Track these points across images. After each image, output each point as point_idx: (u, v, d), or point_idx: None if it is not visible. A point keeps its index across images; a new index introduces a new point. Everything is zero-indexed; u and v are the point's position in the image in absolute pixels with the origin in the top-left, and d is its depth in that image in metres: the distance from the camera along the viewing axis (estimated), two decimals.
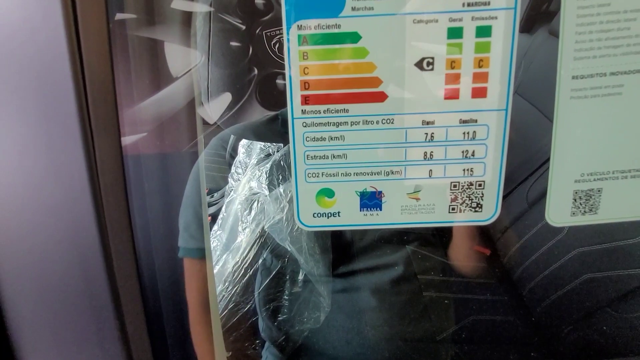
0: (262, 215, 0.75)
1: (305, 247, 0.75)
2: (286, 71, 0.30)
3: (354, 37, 0.30)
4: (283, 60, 0.31)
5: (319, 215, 0.34)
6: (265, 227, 0.73)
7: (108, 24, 0.30)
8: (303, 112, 0.32)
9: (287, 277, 0.74)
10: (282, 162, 0.78)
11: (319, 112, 0.32)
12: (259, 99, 1.05)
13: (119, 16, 0.35)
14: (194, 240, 0.58)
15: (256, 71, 1.03)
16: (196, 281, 0.55)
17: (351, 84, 0.31)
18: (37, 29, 0.28)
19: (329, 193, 0.34)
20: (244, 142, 0.86)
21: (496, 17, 0.30)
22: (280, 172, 0.76)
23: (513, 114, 0.30)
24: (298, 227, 0.77)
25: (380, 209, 0.34)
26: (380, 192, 0.34)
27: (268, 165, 0.79)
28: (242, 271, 0.72)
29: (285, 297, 0.73)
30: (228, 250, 0.75)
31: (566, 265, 0.65)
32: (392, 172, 0.33)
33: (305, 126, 0.32)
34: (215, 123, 0.73)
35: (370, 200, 0.34)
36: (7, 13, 0.28)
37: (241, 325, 0.71)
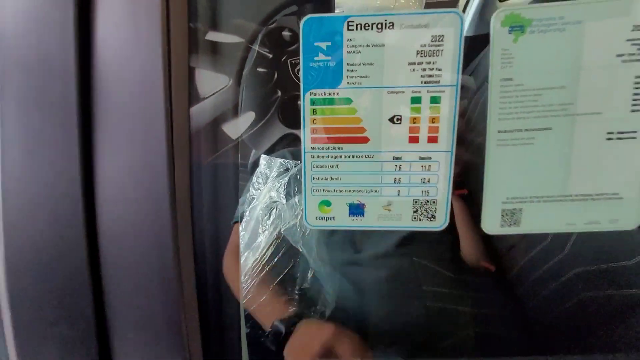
0: (279, 220, 0.87)
1: (315, 249, 0.86)
2: (301, 122, 0.46)
3: (347, 100, 0.45)
4: None
5: (320, 218, 0.49)
6: (282, 230, 0.86)
7: (189, 63, 0.43)
8: (311, 148, 0.47)
9: (298, 275, 0.83)
10: (297, 176, 0.91)
11: (322, 148, 0.47)
12: (281, 117, 1.19)
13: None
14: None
15: (279, 93, 1.17)
16: (235, 237, 0.76)
17: (344, 131, 0.46)
18: (139, 71, 0.41)
19: (327, 203, 0.48)
20: (264, 156, 0.99)
21: (444, 91, 0.44)
22: (296, 185, 0.89)
23: None
24: (309, 231, 0.92)
25: (363, 216, 0.48)
26: (363, 204, 0.48)
27: (286, 179, 0.92)
28: (260, 267, 0.84)
29: (296, 292, 0.82)
30: (249, 248, 0.88)
31: (565, 284, 0.71)
32: (372, 191, 0.48)
33: (313, 157, 0.47)
34: (239, 137, 0.84)
35: (356, 210, 0.48)
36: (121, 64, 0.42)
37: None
